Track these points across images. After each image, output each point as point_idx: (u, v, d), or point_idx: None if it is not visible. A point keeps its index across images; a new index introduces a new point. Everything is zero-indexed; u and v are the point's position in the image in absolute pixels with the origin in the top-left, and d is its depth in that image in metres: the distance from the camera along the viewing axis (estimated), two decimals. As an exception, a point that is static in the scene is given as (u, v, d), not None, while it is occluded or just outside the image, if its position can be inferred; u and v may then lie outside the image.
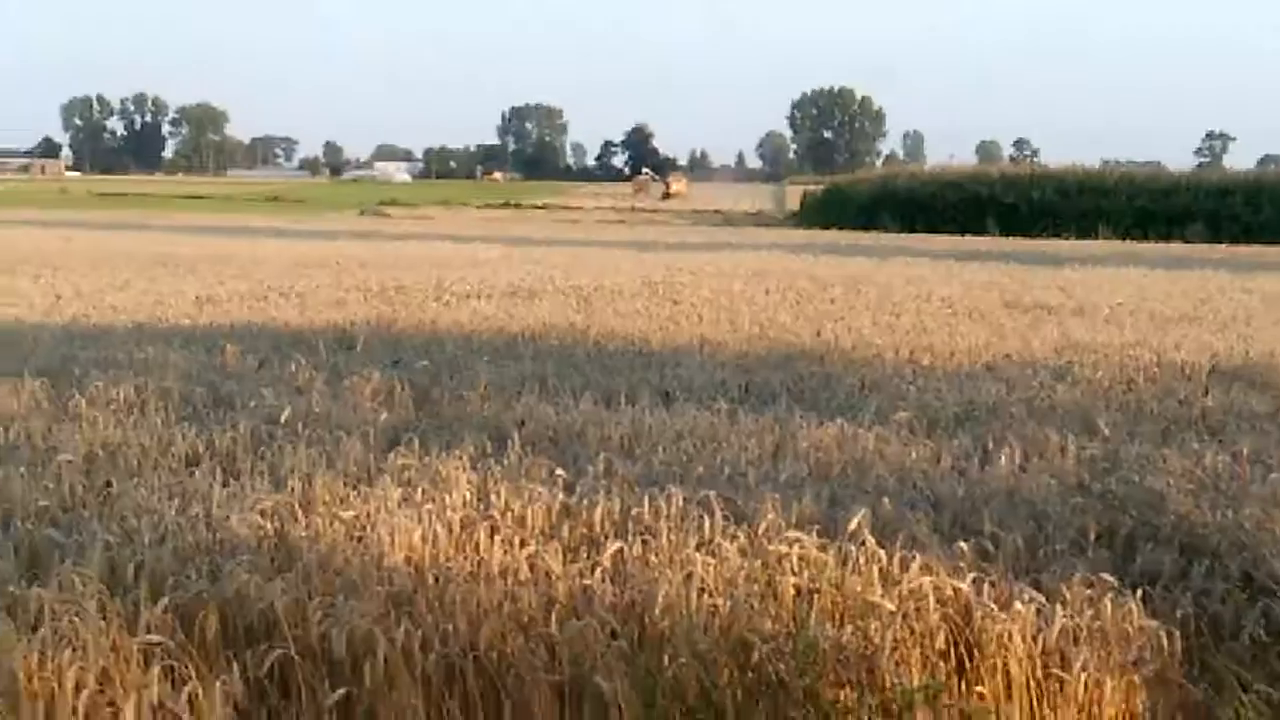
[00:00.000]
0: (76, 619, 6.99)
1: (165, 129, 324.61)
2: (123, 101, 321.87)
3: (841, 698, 7.19)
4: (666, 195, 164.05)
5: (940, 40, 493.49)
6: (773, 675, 7.18)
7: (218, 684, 6.71)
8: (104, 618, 7.10)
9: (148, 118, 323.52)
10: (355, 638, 7.18)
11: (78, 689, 6.57)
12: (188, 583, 7.76)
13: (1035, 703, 7.43)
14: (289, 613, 7.38)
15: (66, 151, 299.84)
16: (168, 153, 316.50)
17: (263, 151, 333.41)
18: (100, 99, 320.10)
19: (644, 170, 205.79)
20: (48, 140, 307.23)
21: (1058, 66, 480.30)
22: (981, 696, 7.31)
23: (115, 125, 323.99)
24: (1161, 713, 7.66)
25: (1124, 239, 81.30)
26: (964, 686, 7.42)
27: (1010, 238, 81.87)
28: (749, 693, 7.22)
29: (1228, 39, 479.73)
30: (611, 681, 7.17)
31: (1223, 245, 75.42)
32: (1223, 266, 47.69)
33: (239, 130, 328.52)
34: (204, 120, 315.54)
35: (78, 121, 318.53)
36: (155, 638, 6.96)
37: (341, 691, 7.00)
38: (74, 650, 6.76)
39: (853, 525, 8.39)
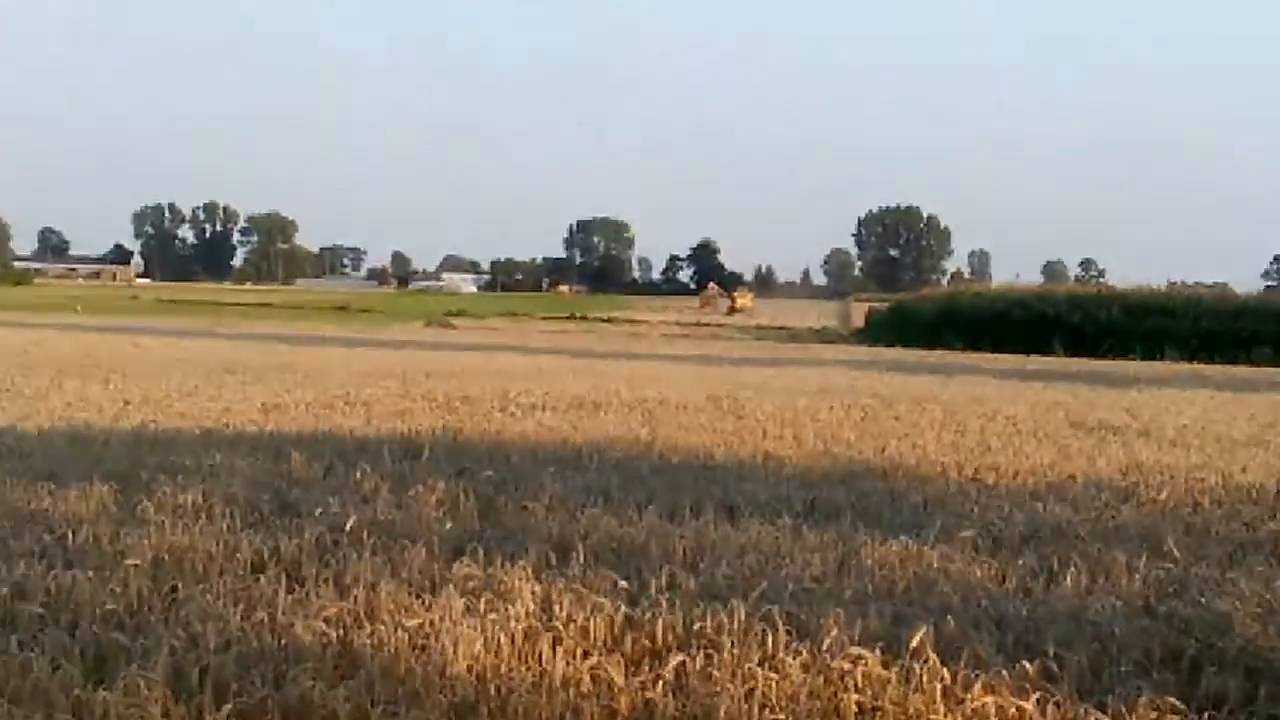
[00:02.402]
0: (140, 723, 7.04)
1: (235, 237, 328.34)
2: (194, 210, 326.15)
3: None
4: (732, 310, 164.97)
5: (1008, 160, 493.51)
6: (835, 793, 7.15)
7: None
8: (168, 722, 7.15)
9: (218, 226, 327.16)
10: (418, 746, 7.19)
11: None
12: (252, 689, 7.81)
13: (1100, 827, 7.38)
14: (352, 719, 7.40)
15: (137, 259, 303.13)
16: (237, 261, 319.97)
17: (331, 261, 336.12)
18: (172, 207, 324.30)
19: (711, 284, 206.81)
20: (119, 247, 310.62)
21: (1125, 187, 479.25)
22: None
23: (186, 233, 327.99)
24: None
25: (1190, 360, 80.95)
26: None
27: (1076, 358, 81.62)
28: (811, 810, 7.19)
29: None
30: (673, 796, 7.17)
31: (1290, 368, 74.97)
32: (1291, 390, 47.44)
33: (308, 239, 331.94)
34: (273, 229, 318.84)
35: (149, 229, 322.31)
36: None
37: (402, 800, 7.01)
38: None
39: (915, 642, 8.37)
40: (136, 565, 10.82)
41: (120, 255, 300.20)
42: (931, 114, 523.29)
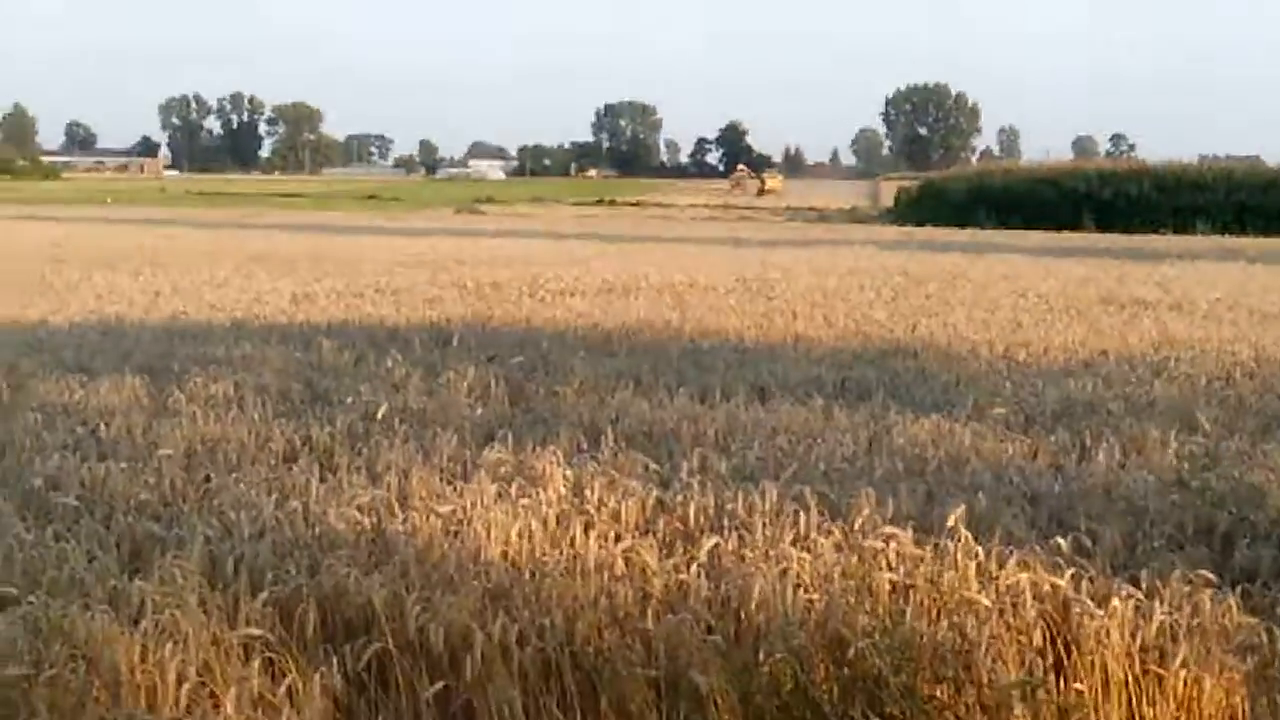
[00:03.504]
0: (178, 612, 7.07)
1: (262, 128, 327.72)
2: (219, 101, 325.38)
3: (938, 694, 7.15)
4: (762, 192, 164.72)
5: (1036, 36, 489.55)
6: (869, 671, 7.14)
7: (316, 676, 6.78)
8: (205, 611, 7.21)
9: (244, 117, 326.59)
10: (452, 632, 7.21)
11: (179, 681, 6.65)
12: (287, 577, 7.85)
13: (1134, 700, 7.36)
14: (387, 607, 7.42)
15: (165, 150, 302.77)
16: (264, 151, 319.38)
17: (358, 150, 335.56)
18: (198, 98, 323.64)
19: (740, 166, 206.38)
20: (146, 139, 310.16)
21: (1156, 60, 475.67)
22: (1079, 694, 7.25)
23: (212, 124, 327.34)
24: (1263, 709, 7.60)
25: (1222, 234, 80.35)
26: (1061, 683, 7.37)
27: (1107, 234, 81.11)
28: (844, 688, 7.19)
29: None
30: (707, 676, 7.17)
31: (1326, 239, 74.49)
32: (1325, 260, 47.22)
33: (334, 129, 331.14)
34: (300, 119, 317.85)
35: (175, 121, 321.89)
36: (255, 631, 7.06)
37: (440, 685, 7.02)
38: (175, 643, 6.84)
39: (950, 521, 8.36)
40: (169, 456, 10.89)
41: (148, 147, 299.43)
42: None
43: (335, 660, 7.05)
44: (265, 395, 14.16)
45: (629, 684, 7.24)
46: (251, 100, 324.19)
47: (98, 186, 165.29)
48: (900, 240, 64.41)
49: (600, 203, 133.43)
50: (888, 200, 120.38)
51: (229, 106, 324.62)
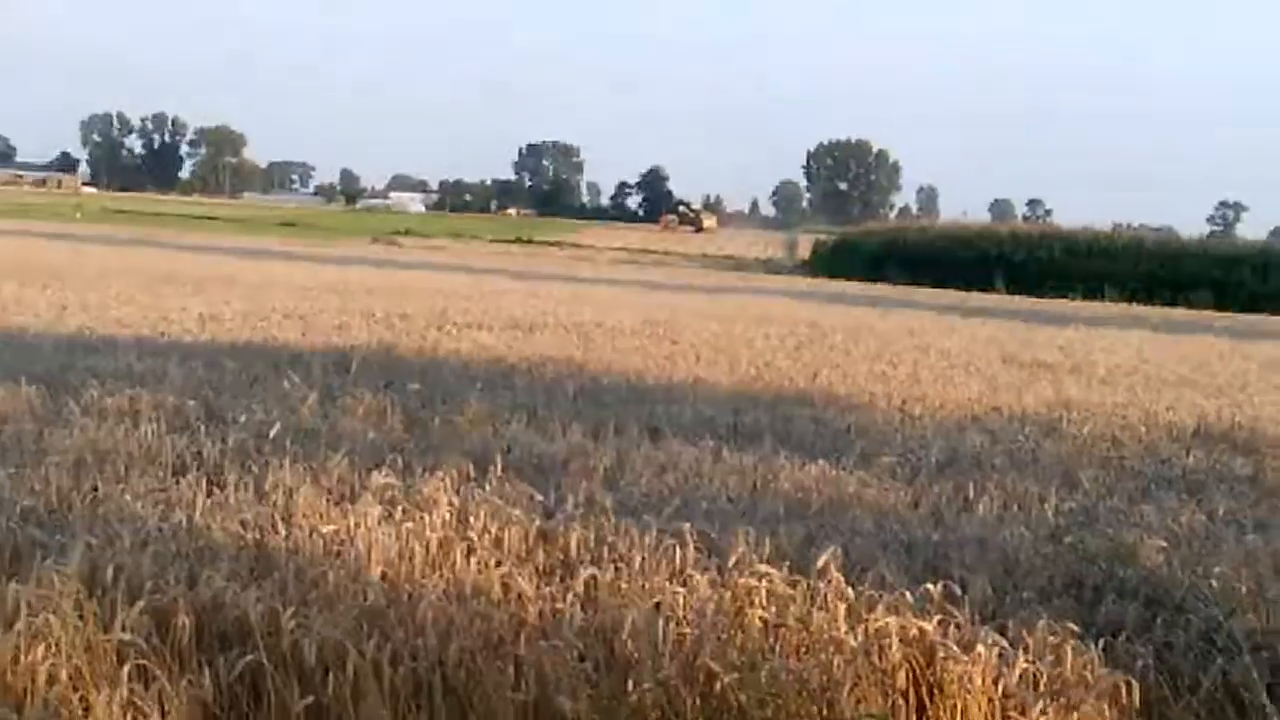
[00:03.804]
0: (52, 616, 7.11)
1: (183, 149, 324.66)
2: (142, 120, 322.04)
3: (801, 729, 7.29)
4: (699, 229, 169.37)
5: (961, 98, 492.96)
6: (734, 704, 7.26)
7: (184, 684, 6.84)
8: (80, 617, 7.22)
9: (166, 137, 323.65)
10: (326, 648, 7.27)
11: (50, 683, 6.70)
12: (165, 587, 7.87)
13: (994, 744, 7.52)
14: (263, 621, 7.48)
15: (84, 167, 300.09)
16: (184, 173, 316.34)
17: (279, 176, 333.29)
18: (120, 116, 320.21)
19: (680, 208, 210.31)
20: (65, 155, 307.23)
21: (1078, 130, 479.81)
22: (940, 735, 7.39)
23: (134, 143, 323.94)
24: (1120, 760, 7.77)
25: (1130, 302, 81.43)
26: (924, 725, 7.52)
27: (1016, 296, 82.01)
28: (710, 720, 7.32)
29: (1246, 108, 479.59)
30: (575, 703, 7.27)
31: (1227, 313, 75.48)
32: (1225, 333, 47.97)
33: (256, 154, 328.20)
34: (222, 142, 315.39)
35: (96, 138, 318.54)
36: (128, 637, 7.08)
37: (310, 699, 7.08)
38: (49, 646, 6.88)
39: (821, 562, 8.49)
40: (58, 464, 10.90)
41: (67, 163, 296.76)
42: (883, 47, 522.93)
43: (208, 671, 7.08)
44: (161, 410, 14.17)
45: (498, 706, 7.34)
46: (174, 121, 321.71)
47: (12, 200, 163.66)
48: (812, 291, 64.98)
49: (519, 241, 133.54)
50: (804, 252, 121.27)
51: (151, 126, 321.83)
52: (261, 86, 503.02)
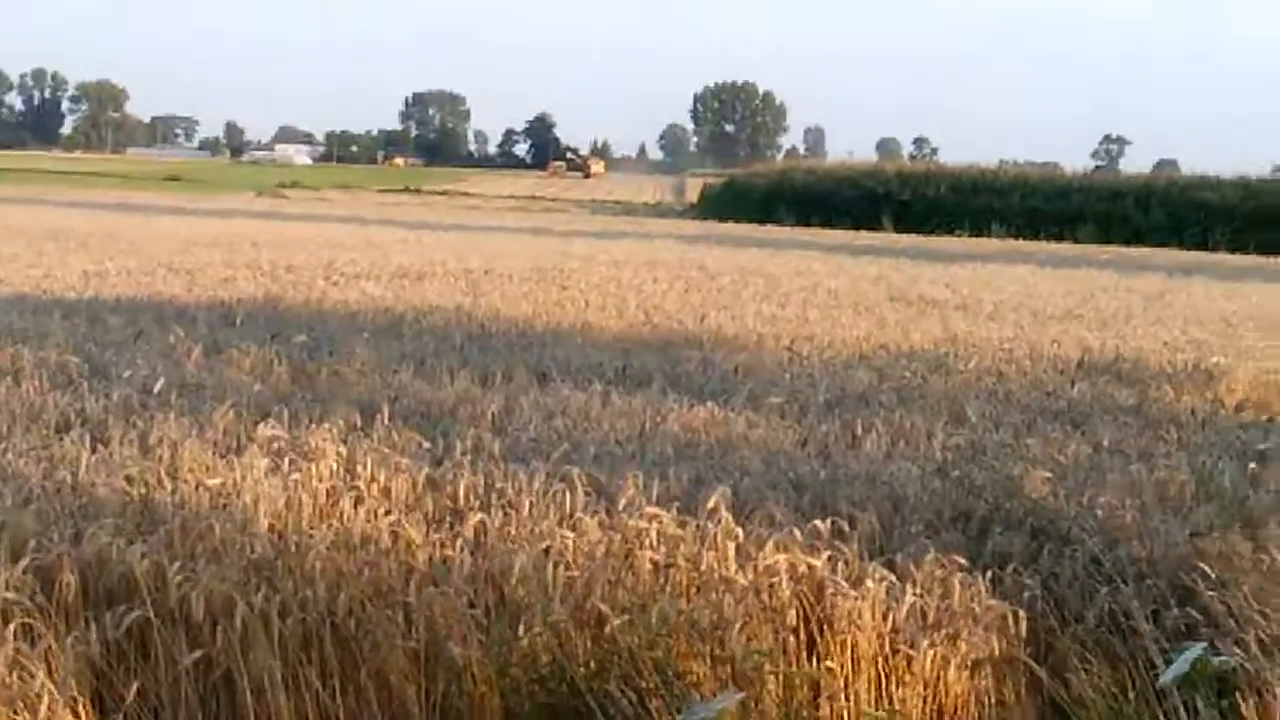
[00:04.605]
0: (-67, 576, 7.04)
1: (64, 105, 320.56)
2: (21, 77, 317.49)
3: (693, 668, 7.33)
4: (588, 175, 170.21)
5: (846, 36, 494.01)
6: (625, 646, 7.29)
7: (70, 641, 6.80)
8: (-39, 577, 7.16)
9: (46, 93, 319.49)
10: (214, 601, 7.23)
11: (-68, 643, 6.64)
12: (49, 544, 7.79)
13: (884, 679, 7.59)
14: (149, 576, 7.42)
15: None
16: (66, 129, 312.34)
17: (163, 130, 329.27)
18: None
19: (568, 155, 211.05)
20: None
21: (963, 64, 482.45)
22: (830, 671, 7.44)
23: (13, 100, 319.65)
24: (1006, 691, 7.86)
25: (1016, 238, 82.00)
26: (814, 662, 7.58)
27: (904, 234, 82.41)
28: (601, 663, 7.35)
29: (1128, 42, 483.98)
30: (466, 649, 7.30)
31: (1112, 246, 76.17)
32: (1109, 267, 48.45)
33: (139, 108, 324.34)
34: (104, 97, 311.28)
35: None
36: (12, 596, 7.02)
37: (199, 653, 7.07)
38: (-70, 607, 6.83)
39: (711, 503, 8.54)
40: (-67, 425, 10.79)
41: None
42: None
43: (95, 627, 7.04)
44: (43, 368, 14.01)
45: (389, 655, 7.37)
46: (54, 76, 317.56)
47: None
48: (701, 235, 65.01)
49: (407, 190, 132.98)
50: (693, 196, 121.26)
51: (31, 82, 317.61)
52: (142, 39, 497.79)
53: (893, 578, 7.92)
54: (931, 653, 7.56)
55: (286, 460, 9.66)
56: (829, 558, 8.05)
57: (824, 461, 11.31)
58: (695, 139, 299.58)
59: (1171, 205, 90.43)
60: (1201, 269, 51.67)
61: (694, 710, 5.33)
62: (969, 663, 7.70)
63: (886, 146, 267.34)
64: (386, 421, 11.27)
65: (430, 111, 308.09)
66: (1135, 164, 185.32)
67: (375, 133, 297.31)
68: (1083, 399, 15.40)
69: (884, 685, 7.58)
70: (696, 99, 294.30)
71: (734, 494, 9.13)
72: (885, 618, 7.66)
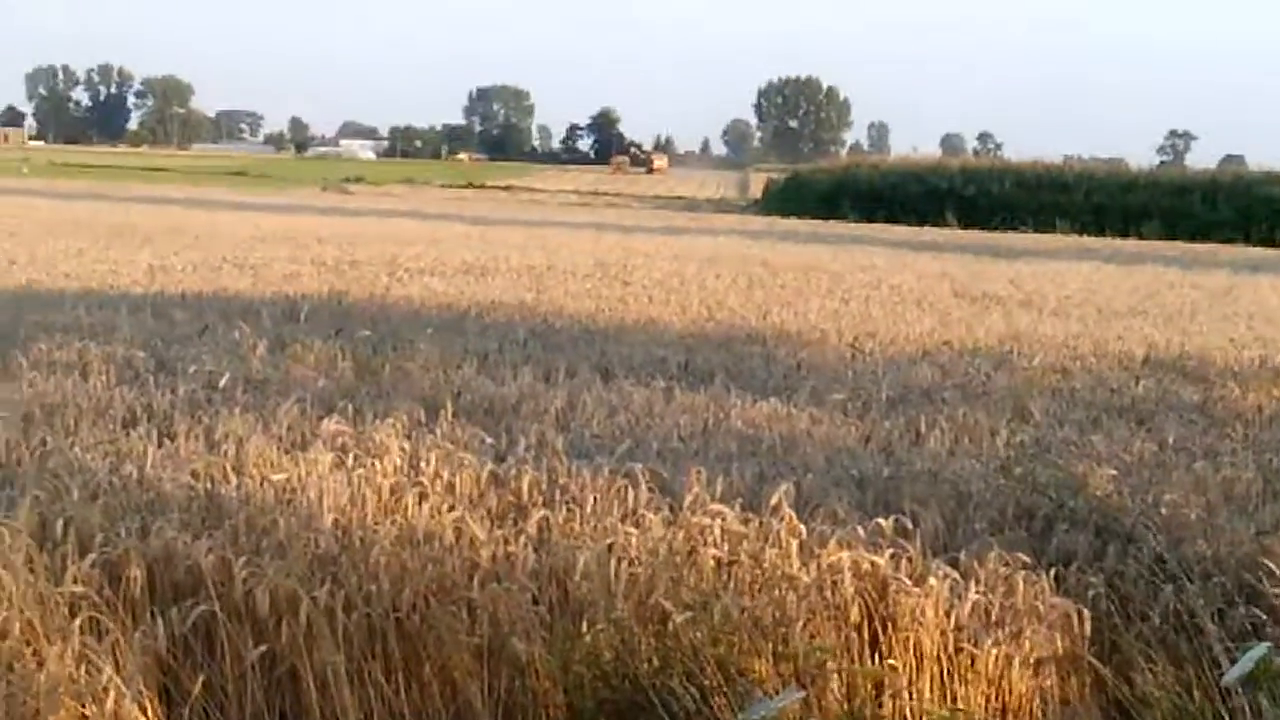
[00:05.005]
0: (3, 570, 7.08)
1: (130, 101, 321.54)
2: (88, 72, 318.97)
3: (755, 666, 7.32)
4: (651, 170, 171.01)
5: (911, 30, 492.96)
6: (688, 643, 7.28)
7: (137, 635, 6.84)
8: (31, 570, 7.20)
9: (113, 89, 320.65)
10: (279, 596, 7.26)
11: (2, 637, 6.68)
12: (116, 539, 7.83)
13: (946, 677, 7.57)
14: (215, 570, 7.46)
15: (30, 121, 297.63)
16: (132, 124, 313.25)
17: (228, 126, 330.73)
18: (65, 69, 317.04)
19: (631, 150, 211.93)
20: (11, 109, 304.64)
21: (1028, 62, 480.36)
22: (893, 669, 7.43)
23: (80, 96, 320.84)
24: (1070, 689, 7.83)
25: (1080, 234, 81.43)
26: (877, 659, 7.57)
27: (968, 230, 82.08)
28: (664, 660, 7.33)
29: (1196, 39, 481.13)
30: (530, 645, 7.32)
31: (1178, 242, 75.61)
32: (1175, 263, 48.08)
33: (204, 104, 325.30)
34: (169, 93, 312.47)
35: (42, 92, 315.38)
36: (80, 590, 7.07)
37: (264, 648, 7.10)
38: (-1, 601, 6.88)
39: (774, 499, 8.53)
40: (5, 418, 10.85)
41: (12, 118, 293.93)
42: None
43: (161, 621, 7.07)
44: (110, 363, 14.13)
45: (452, 651, 7.38)
46: (120, 72, 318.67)
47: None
48: (764, 230, 64.85)
49: (470, 186, 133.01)
50: (756, 191, 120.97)
51: (97, 78, 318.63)
52: (208, 34, 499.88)
53: (956, 575, 7.89)
54: (995, 651, 7.54)
55: (351, 456, 9.71)
56: (892, 555, 8.03)
57: (887, 458, 11.31)
58: (759, 134, 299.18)
59: (1238, 201, 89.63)
60: (1269, 265, 51.19)
61: (756, 707, 5.35)
62: (1032, 661, 7.67)
63: (951, 142, 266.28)
64: (450, 417, 11.33)
65: (494, 106, 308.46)
66: (1201, 160, 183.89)
67: (439, 128, 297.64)
68: (1148, 396, 15.33)
69: (947, 683, 7.55)
70: (760, 94, 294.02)
71: (797, 491, 9.12)
72: (948, 615, 7.63)
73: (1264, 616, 7.87)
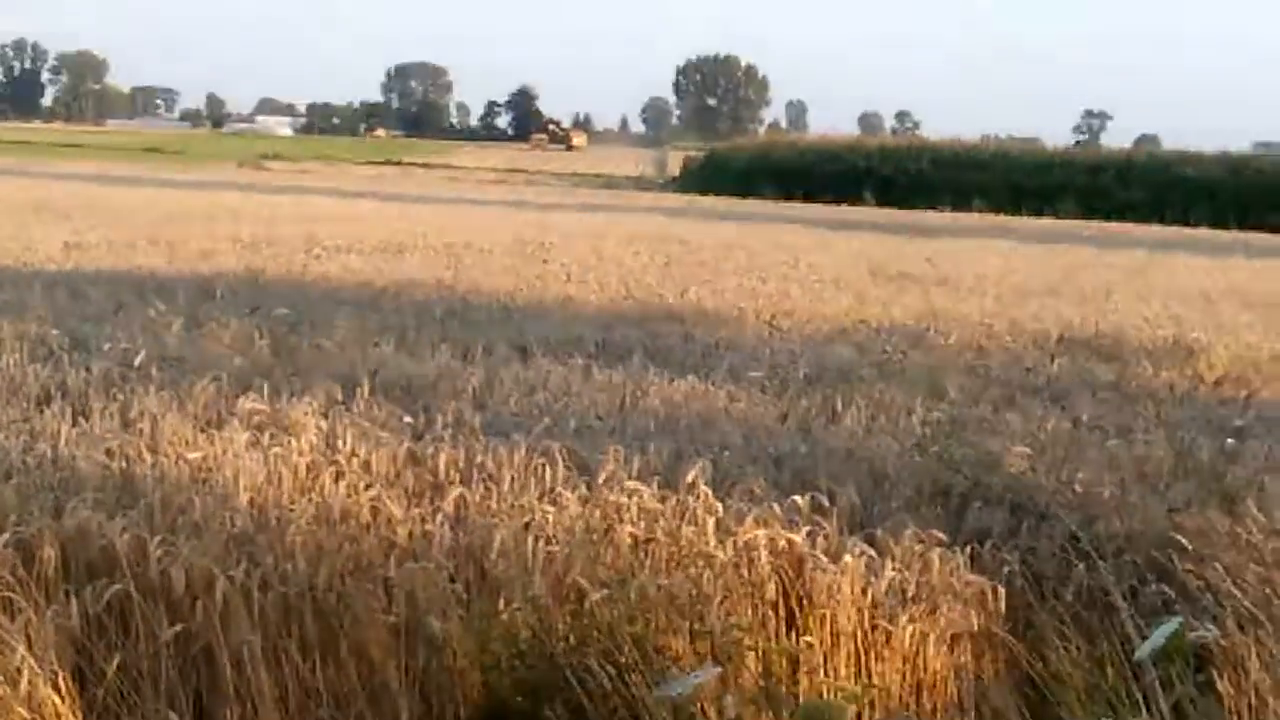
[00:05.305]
0: (-89, 551, 7.04)
1: (45, 76, 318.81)
2: (1, 48, 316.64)
3: (672, 644, 7.35)
4: (570, 148, 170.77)
5: (831, 10, 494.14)
6: (605, 621, 7.30)
7: (50, 615, 6.80)
8: (-59, 553, 7.16)
9: (27, 65, 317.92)
10: (194, 575, 7.22)
11: (-90, 618, 6.64)
12: (30, 518, 7.78)
13: (862, 653, 7.61)
14: (130, 550, 7.40)
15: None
16: (47, 100, 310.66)
17: (144, 102, 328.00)
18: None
19: (550, 127, 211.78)
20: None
21: (944, 40, 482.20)
22: (809, 645, 7.46)
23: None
24: (985, 666, 7.89)
25: (998, 213, 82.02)
26: (794, 636, 7.60)
27: (885, 209, 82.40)
28: (580, 638, 7.35)
29: (1112, 19, 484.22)
30: (447, 624, 7.32)
31: (1094, 222, 76.19)
32: (1091, 242, 48.66)
33: (120, 79, 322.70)
34: (84, 68, 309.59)
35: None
36: (-8, 569, 7.03)
37: (179, 627, 7.06)
38: (-93, 582, 6.83)
39: (689, 477, 8.55)
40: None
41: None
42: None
43: (75, 601, 7.03)
44: (23, 340, 13.98)
45: (369, 629, 7.38)
46: (34, 47, 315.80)
47: None
48: (682, 209, 65.03)
49: (388, 163, 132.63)
50: (675, 169, 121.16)
51: (11, 53, 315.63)
52: (123, 9, 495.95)
53: (872, 553, 7.93)
54: (910, 628, 7.59)
55: (267, 434, 9.66)
56: (808, 533, 8.06)
57: (804, 436, 11.34)
58: (677, 112, 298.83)
59: (1153, 181, 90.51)
60: (1182, 245, 51.77)
61: (673, 685, 5.37)
62: (948, 638, 7.73)
63: (869, 121, 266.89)
64: (367, 395, 11.34)
65: (412, 84, 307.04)
66: (1117, 139, 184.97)
67: (357, 105, 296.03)
68: (1062, 374, 15.48)
69: (863, 660, 7.60)
70: (679, 72, 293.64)
71: (714, 469, 9.15)
72: (864, 593, 7.68)
73: (1174, 594, 7.95)
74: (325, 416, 10.46)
